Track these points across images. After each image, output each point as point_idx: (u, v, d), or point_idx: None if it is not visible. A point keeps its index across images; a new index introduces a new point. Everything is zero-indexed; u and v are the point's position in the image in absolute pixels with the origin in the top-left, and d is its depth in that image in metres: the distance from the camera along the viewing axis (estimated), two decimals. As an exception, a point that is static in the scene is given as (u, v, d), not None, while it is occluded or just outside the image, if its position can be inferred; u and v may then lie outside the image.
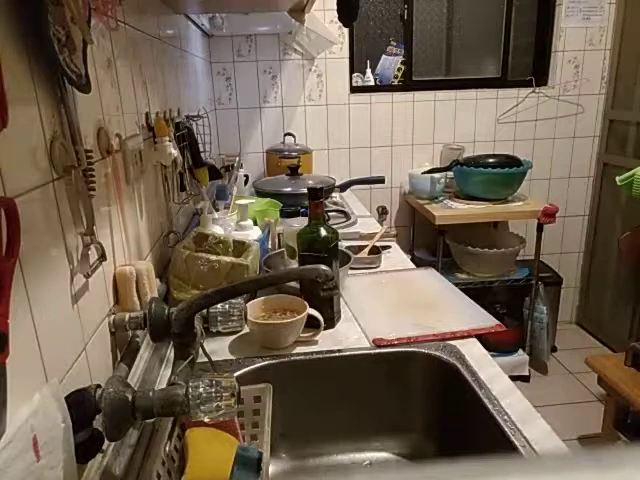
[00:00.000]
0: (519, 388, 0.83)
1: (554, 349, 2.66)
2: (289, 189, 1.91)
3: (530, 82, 2.59)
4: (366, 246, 1.47)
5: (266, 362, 0.93)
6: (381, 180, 2.20)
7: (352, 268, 1.29)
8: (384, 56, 2.61)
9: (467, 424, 0.88)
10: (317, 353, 0.96)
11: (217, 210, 1.52)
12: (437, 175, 2.31)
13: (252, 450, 0.59)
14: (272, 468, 0.92)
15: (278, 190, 1.89)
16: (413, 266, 1.42)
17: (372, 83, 2.60)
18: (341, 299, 1.10)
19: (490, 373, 0.87)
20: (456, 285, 1.26)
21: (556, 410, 2.18)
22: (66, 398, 0.51)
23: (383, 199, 2.69)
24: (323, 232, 0.99)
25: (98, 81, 0.74)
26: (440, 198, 2.37)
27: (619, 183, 1.88)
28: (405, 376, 0.97)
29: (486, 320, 1.05)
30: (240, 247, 1.12)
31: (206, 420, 0.56)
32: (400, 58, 2.59)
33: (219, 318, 0.84)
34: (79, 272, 0.63)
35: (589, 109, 2.66)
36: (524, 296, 2.44)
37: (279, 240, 1.40)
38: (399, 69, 2.61)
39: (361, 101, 2.55)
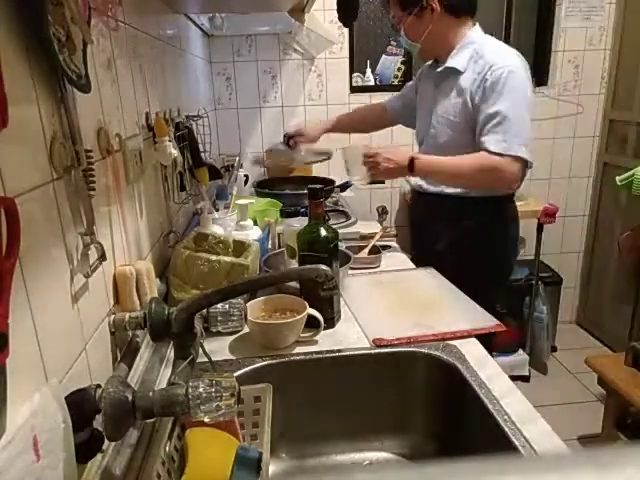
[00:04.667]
0: (519, 388, 0.83)
1: (554, 349, 2.66)
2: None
3: (530, 82, 2.59)
4: (366, 246, 1.47)
5: (266, 362, 0.93)
6: (381, 180, 2.19)
7: (352, 268, 1.29)
8: (384, 56, 2.61)
9: (467, 424, 0.88)
10: (317, 353, 0.96)
11: (217, 210, 1.52)
12: (437, 175, 2.31)
13: (252, 450, 0.59)
14: (272, 468, 0.92)
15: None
16: (413, 266, 1.42)
17: (372, 83, 2.59)
18: (341, 299, 1.10)
19: (490, 373, 0.87)
20: (456, 285, 1.26)
21: (556, 410, 2.18)
22: (66, 398, 0.51)
23: (383, 199, 2.68)
24: (323, 232, 0.99)
25: (98, 81, 0.74)
26: (440, 198, 2.37)
27: (619, 183, 1.88)
28: (405, 376, 0.97)
29: (486, 320, 1.05)
30: (240, 247, 1.12)
31: (206, 420, 0.56)
32: (400, 58, 2.59)
33: (219, 318, 0.84)
34: (79, 272, 0.63)
35: (589, 109, 2.66)
36: (524, 296, 2.44)
37: (279, 240, 1.40)
38: (399, 69, 2.61)
39: (361, 101, 2.54)
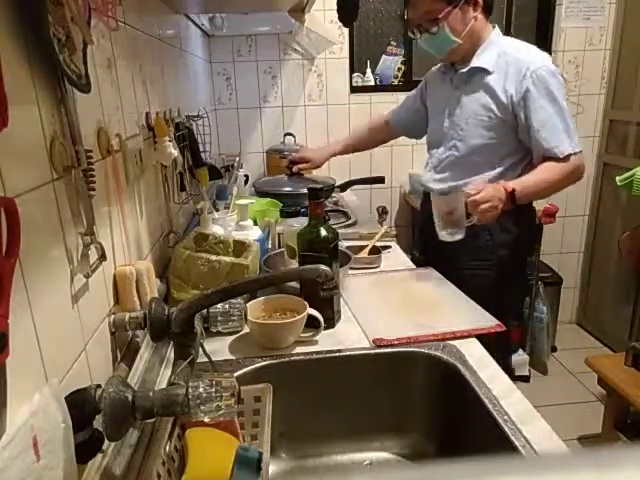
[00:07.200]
0: (519, 388, 0.83)
1: (554, 349, 2.66)
2: (289, 189, 1.91)
3: (530, 82, 2.59)
4: (366, 246, 1.47)
5: (266, 362, 0.93)
6: (381, 180, 2.19)
7: (352, 268, 1.29)
8: (384, 56, 2.61)
9: (467, 424, 0.88)
10: (317, 353, 0.96)
11: (217, 210, 1.52)
12: (437, 175, 2.30)
13: (252, 450, 0.59)
14: (272, 468, 0.92)
15: (278, 190, 1.89)
16: (413, 266, 1.42)
17: (372, 83, 2.60)
18: (341, 299, 1.10)
19: (490, 373, 0.87)
20: (456, 285, 1.26)
21: (556, 410, 2.18)
22: (66, 398, 0.51)
23: (383, 199, 2.68)
24: (323, 232, 0.99)
25: (98, 81, 0.74)
26: (440, 198, 2.36)
27: (619, 183, 1.88)
28: (405, 376, 0.97)
29: (486, 320, 1.05)
30: (240, 247, 1.12)
31: (206, 420, 0.56)
32: (400, 58, 2.59)
33: (219, 318, 0.84)
34: (79, 272, 0.63)
35: (589, 109, 2.66)
36: (524, 296, 2.44)
37: (279, 240, 1.40)
38: (399, 69, 2.61)
39: (361, 101, 2.55)
